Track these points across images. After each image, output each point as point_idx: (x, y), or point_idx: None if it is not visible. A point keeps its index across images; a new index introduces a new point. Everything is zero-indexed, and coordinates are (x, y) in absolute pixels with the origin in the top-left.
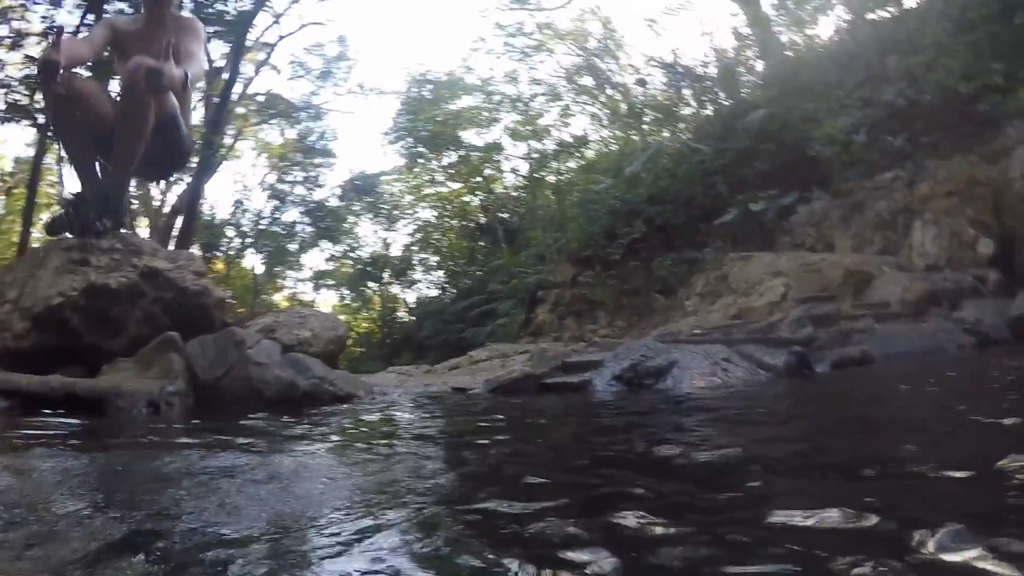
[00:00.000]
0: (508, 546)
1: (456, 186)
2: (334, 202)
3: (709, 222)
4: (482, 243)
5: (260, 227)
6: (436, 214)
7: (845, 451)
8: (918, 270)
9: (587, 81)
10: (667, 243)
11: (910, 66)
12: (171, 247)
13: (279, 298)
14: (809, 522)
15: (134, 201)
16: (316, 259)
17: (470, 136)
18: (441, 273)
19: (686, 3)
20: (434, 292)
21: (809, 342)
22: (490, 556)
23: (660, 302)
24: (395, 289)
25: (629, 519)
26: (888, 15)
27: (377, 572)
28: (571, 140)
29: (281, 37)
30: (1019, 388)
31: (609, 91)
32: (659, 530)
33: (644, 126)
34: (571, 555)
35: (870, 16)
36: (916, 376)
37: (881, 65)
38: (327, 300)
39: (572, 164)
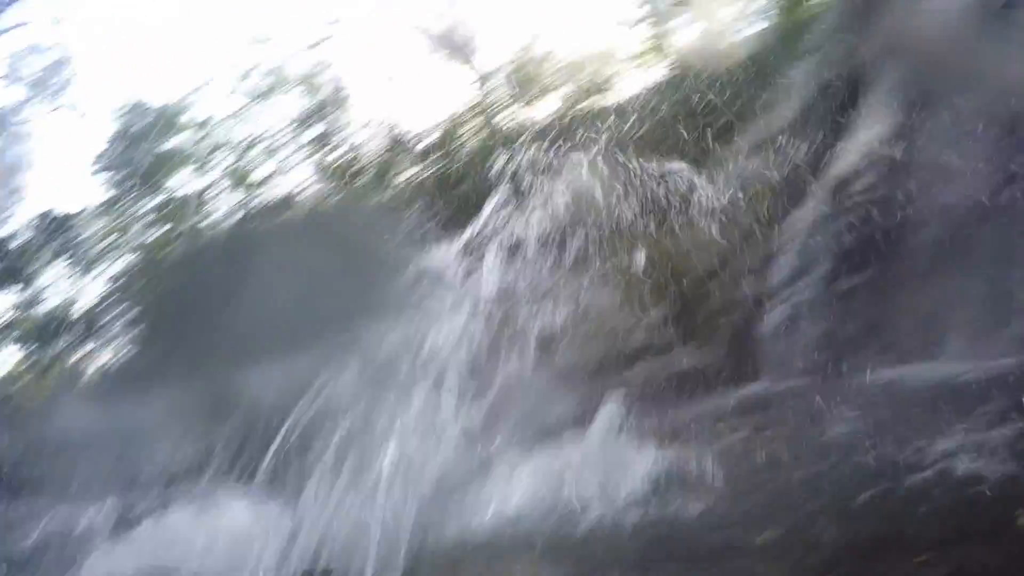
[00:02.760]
0: None
1: (165, 229)
2: (24, 238)
3: None
4: None
5: None
6: (140, 261)
7: None
8: None
9: (317, 131)
10: None
11: None
12: None
13: None
14: None
15: None
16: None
17: (185, 177)
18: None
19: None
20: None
21: None
22: None
23: None
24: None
25: None
26: None
27: None
28: (283, 195)
29: None
30: None
31: (333, 144)
32: None
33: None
34: None
35: None
36: None
37: None
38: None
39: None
